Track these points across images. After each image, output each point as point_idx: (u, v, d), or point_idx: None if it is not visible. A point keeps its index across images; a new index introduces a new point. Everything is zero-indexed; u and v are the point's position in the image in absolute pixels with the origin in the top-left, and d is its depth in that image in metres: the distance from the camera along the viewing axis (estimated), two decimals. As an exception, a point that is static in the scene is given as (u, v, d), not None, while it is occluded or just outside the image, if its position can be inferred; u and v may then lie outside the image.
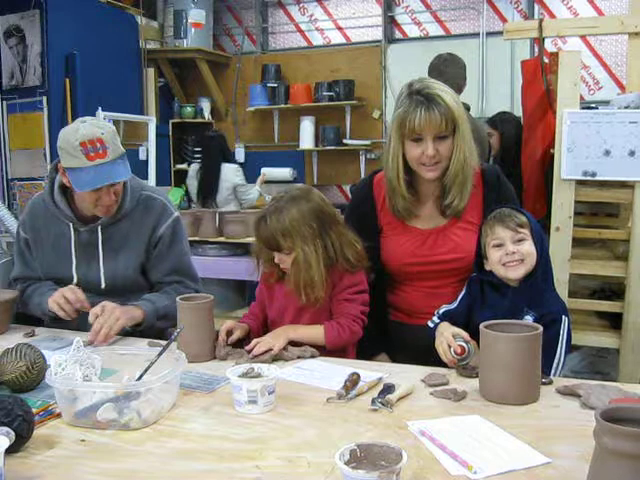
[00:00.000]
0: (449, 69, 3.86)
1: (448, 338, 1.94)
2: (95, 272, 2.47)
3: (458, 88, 3.86)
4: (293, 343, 2.12)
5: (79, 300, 2.32)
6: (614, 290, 4.17)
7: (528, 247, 1.99)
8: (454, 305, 2.11)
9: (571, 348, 2.00)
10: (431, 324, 2.10)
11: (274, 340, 2.08)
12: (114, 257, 2.47)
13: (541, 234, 2.04)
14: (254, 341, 2.08)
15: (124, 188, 2.45)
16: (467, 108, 3.86)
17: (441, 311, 2.12)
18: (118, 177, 2.31)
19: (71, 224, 2.45)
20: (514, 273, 1.99)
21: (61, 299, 2.31)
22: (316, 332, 2.15)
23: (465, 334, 1.94)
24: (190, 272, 2.60)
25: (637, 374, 3.78)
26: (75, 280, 2.46)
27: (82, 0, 6.24)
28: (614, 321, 4.01)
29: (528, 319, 1.94)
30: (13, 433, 1.36)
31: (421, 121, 2.06)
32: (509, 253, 1.98)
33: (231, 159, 6.10)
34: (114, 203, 2.39)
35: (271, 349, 2.04)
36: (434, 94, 2.07)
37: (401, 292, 2.32)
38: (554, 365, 1.91)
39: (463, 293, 2.12)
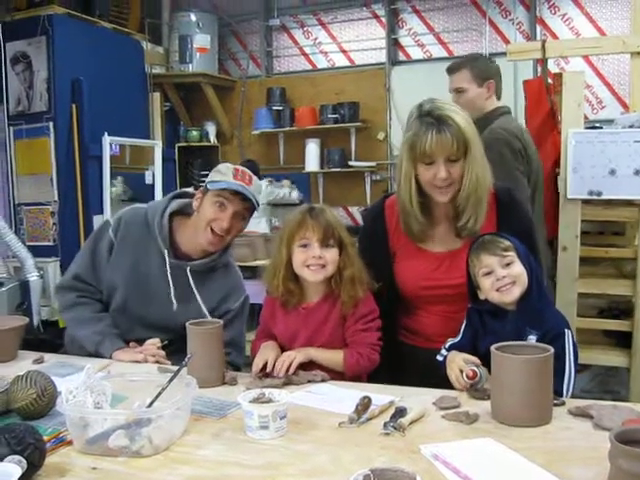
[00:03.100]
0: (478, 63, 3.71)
1: (459, 364, 1.94)
2: (182, 308, 2.47)
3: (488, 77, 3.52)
4: (303, 367, 2.12)
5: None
6: (622, 309, 4.16)
7: (517, 268, 2.00)
8: (458, 338, 2.11)
9: (580, 366, 1.99)
10: (440, 357, 2.08)
11: (294, 353, 2.10)
12: (185, 300, 2.48)
13: (527, 254, 2.04)
14: (278, 362, 2.08)
15: (227, 245, 2.53)
16: (508, 112, 3.63)
17: (447, 345, 2.11)
18: (249, 196, 2.37)
19: (166, 251, 2.44)
20: (509, 296, 1.99)
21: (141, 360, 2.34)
22: (338, 357, 2.14)
23: (475, 359, 1.94)
24: (240, 345, 2.60)
25: (648, 393, 3.76)
26: (175, 307, 2.45)
27: (88, 26, 6.31)
28: (622, 340, 3.99)
29: (532, 339, 1.94)
30: (25, 461, 1.35)
31: (432, 144, 2.03)
32: (500, 278, 1.99)
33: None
34: (224, 236, 2.41)
35: (287, 372, 2.06)
36: (445, 115, 2.05)
37: (417, 316, 2.29)
38: (565, 380, 1.89)
39: (464, 325, 2.12)
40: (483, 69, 3.40)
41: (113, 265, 2.49)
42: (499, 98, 3.52)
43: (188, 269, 2.47)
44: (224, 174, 2.37)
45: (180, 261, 2.47)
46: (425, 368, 2.11)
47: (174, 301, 2.46)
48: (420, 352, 2.24)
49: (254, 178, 2.42)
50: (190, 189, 2.60)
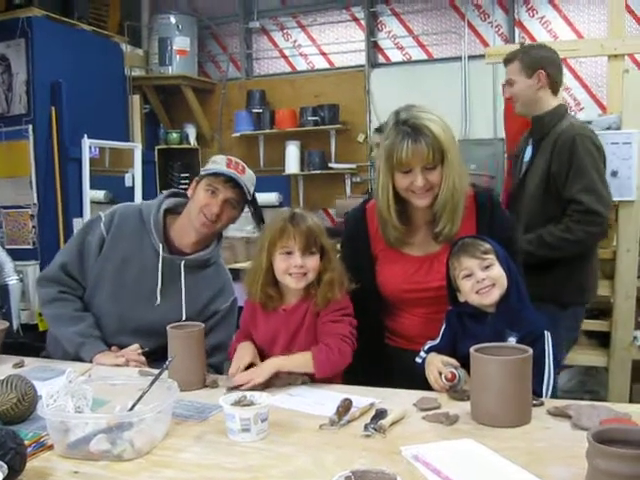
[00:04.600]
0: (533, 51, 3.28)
1: (438, 365, 1.95)
2: (167, 304, 2.49)
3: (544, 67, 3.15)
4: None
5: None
6: (601, 309, 4.20)
7: (497, 271, 2.01)
8: (437, 341, 2.12)
9: (559, 364, 2.00)
10: (419, 360, 2.09)
11: (258, 371, 2.05)
12: (172, 298, 2.50)
13: (506, 257, 2.06)
14: (241, 373, 2.07)
15: (219, 238, 2.60)
16: (566, 109, 3.26)
17: (426, 347, 2.11)
18: (241, 183, 2.42)
19: (161, 245, 2.47)
20: (488, 298, 2.01)
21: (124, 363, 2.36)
22: (305, 360, 2.08)
23: (454, 361, 1.95)
24: (226, 348, 2.55)
25: (626, 392, 3.79)
26: (158, 301, 2.47)
27: (67, 28, 6.27)
28: (602, 340, 4.03)
29: (512, 340, 1.95)
30: (6, 466, 1.34)
31: (408, 153, 2.05)
32: (479, 280, 2.00)
33: None
34: (215, 222, 2.44)
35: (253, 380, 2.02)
36: (421, 124, 2.06)
37: (399, 318, 2.31)
38: (544, 381, 1.91)
39: (444, 328, 2.12)
40: (533, 58, 3.15)
41: (103, 259, 2.50)
42: (556, 92, 3.20)
43: (182, 264, 2.48)
44: (218, 163, 2.44)
45: (174, 255, 2.49)
46: (410, 370, 2.11)
47: (158, 296, 2.47)
48: (404, 354, 2.24)
49: (247, 169, 2.47)
50: (182, 190, 2.63)
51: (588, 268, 3.10)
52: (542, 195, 2.97)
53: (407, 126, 2.08)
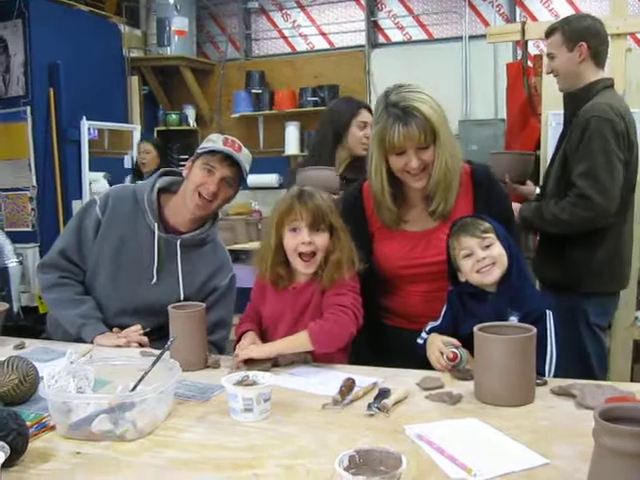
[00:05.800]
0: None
1: (439, 345, 1.95)
2: (165, 283, 2.48)
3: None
4: None
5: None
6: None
7: (497, 250, 2.01)
8: (438, 321, 2.11)
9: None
10: (420, 340, 2.09)
11: (249, 351, 2.05)
12: (169, 277, 2.49)
13: (506, 236, 2.06)
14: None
15: (215, 217, 2.56)
16: (611, 85, 3.06)
17: (427, 328, 2.11)
18: (238, 161, 2.40)
19: (156, 225, 2.45)
20: (489, 277, 2.00)
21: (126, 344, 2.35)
22: (302, 338, 2.04)
23: (456, 341, 1.95)
24: (228, 326, 2.60)
25: (627, 373, 3.80)
26: (154, 280, 2.46)
27: (65, 9, 6.23)
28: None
29: (513, 320, 1.95)
30: (8, 447, 1.34)
31: (400, 137, 2.06)
32: (480, 260, 2.00)
33: None
34: (211, 201, 2.42)
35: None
36: (411, 106, 2.06)
37: (397, 297, 2.31)
38: (547, 360, 1.91)
39: (445, 308, 2.12)
40: (575, 30, 2.93)
41: (100, 241, 2.49)
42: (601, 64, 3.00)
43: (178, 243, 2.47)
44: (214, 142, 2.41)
45: (170, 235, 2.48)
46: (410, 349, 2.11)
47: (154, 275, 2.46)
48: (404, 333, 2.24)
49: (243, 147, 2.45)
50: (176, 169, 2.60)
51: (605, 255, 2.93)
52: (560, 178, 2.90)
53: (397, 109, 2.07)
